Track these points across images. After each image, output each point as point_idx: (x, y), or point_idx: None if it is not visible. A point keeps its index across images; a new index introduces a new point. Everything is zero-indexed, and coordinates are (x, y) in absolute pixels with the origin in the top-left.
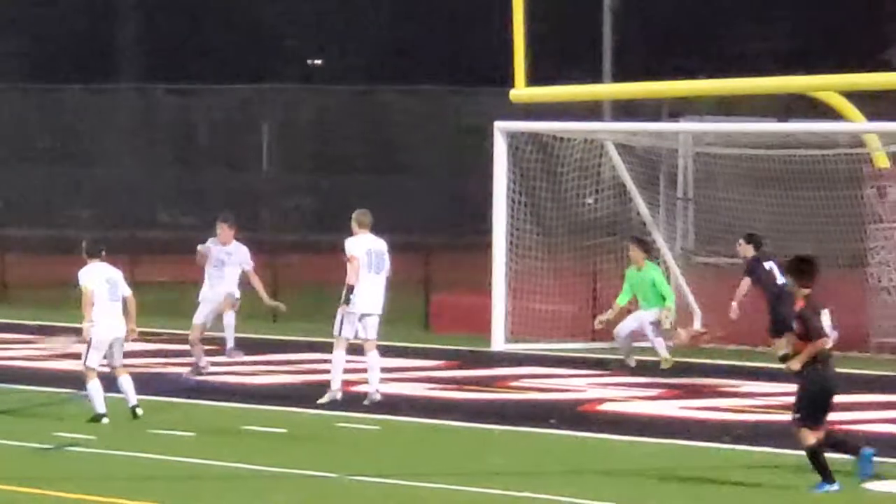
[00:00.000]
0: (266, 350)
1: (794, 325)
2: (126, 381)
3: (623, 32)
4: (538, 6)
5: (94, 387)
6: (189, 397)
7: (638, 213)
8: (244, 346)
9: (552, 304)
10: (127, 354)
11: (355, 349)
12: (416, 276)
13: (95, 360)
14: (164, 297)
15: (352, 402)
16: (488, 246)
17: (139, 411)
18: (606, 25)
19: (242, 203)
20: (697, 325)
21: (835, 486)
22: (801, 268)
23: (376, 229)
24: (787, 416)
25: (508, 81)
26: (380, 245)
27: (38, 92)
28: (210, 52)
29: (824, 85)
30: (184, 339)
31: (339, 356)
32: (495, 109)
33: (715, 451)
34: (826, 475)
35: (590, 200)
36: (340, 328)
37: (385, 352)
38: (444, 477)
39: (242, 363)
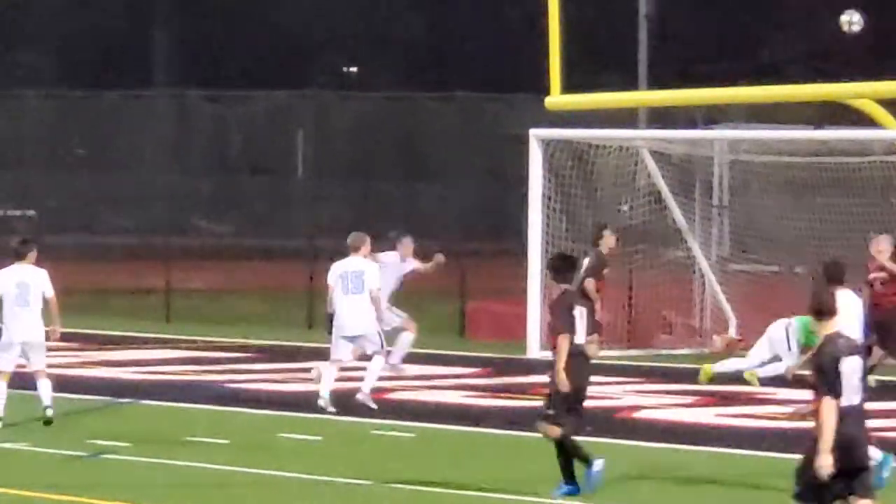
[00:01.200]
0: (301, 357)
1: (550, 318)
2: (44, 385)
3: (659, 39)
4: (574, 13)
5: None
6: (223, 405)
7: (673, 221)
8: (277, 353)
9: None
10: (160, 362)
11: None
12: (451, 283)
13: (3, 363)
14: (197, 304)
15: (387, 409)
16: (524, 253)
17: (50, 413)
18: (642, 32)
19: (277, 209)
20: (733, 332)
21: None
22: (561, 265)
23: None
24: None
25: (544, 89)
26: (359, 265)
27: (73, 98)
28: (245, 59)
29: (859, 92)
30: (219, 346)
31: (327, 372)
32: (531, 116)
33: (751, 458)
34: (570, 475)
35: (625, 208)
36: (333, 351)
37: (421, 359)
38: (479, 484)
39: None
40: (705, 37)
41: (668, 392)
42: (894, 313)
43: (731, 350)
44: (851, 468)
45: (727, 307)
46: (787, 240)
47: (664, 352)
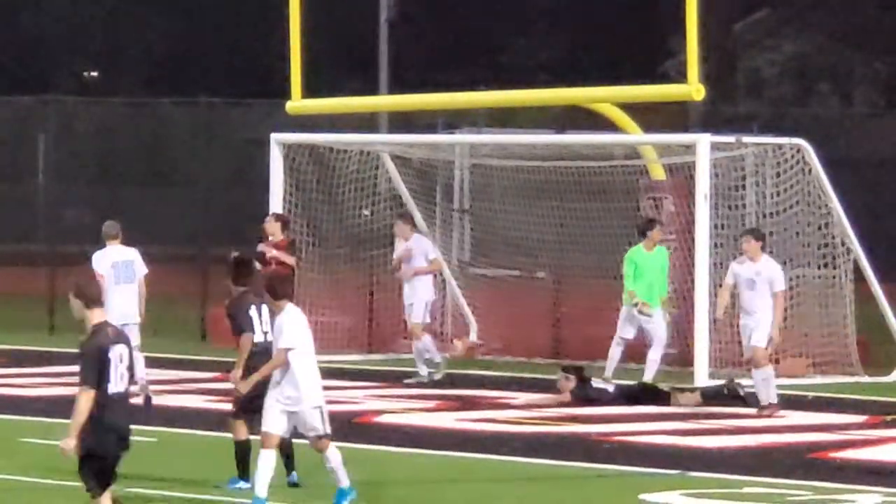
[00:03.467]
0: (41, 362)
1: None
2: None
3: (400, 44)
4: (315, 18)
5: None
6: None
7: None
8: (18, 357)
9: (329, 316)
10: None
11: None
12: (194, 288)
13: None
14: None
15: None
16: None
17: None
18: (383, 37)
19: (18, 214)
20: (473, 336)
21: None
22: (238, 270)
23: (145, 241)
24: (566, 429)
25: (286, 93)
26: (128, 255)
27: None
28: None
29: (600, 97)
30: None
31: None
32: (273, 121)
33: (492, 462)
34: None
35: (366, 212)
36: None
37: (163, 363)
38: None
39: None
40: (448, 42)
41: (409, 397)
42: None
43: (472, 354)
44: (112, 455)
45: (468, 311)
46: (528, 244)
47: (405, 356)
